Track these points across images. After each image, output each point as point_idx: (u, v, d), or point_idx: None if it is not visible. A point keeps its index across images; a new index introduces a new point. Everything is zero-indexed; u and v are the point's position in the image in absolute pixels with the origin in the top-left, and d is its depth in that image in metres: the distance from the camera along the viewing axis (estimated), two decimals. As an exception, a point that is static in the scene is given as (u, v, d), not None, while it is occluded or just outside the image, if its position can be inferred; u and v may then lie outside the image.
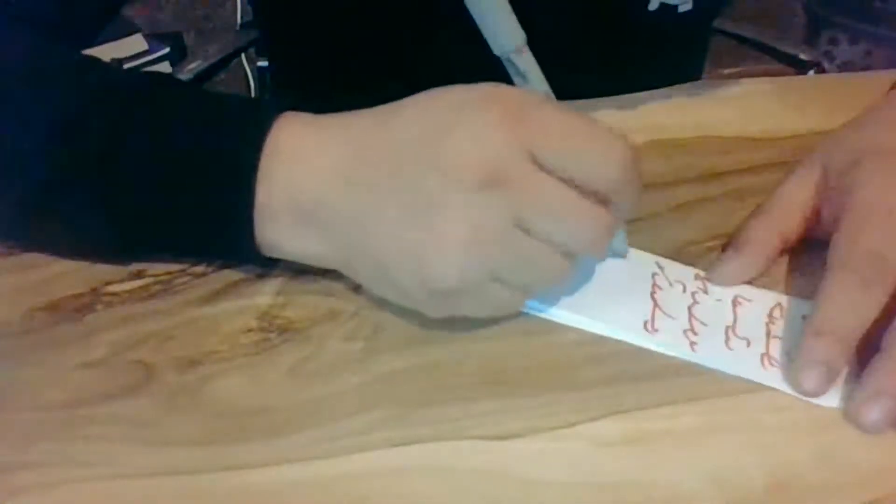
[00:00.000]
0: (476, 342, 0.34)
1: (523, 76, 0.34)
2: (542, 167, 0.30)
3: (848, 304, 0.32)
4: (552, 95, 0.35)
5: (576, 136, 0.31)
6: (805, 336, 0.33)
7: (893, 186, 0.35)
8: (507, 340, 0.34)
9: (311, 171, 0.33)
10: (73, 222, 0.36)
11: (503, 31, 0.33)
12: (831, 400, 0.32)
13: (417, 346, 0.34)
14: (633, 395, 0.32)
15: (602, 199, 0.31)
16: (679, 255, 0.39)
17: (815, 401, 0.32)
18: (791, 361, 0.33)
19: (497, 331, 0.35)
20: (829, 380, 0.32)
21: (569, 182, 0.31)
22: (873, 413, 0.30)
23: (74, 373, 0.33)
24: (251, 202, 0.33)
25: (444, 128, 0.31)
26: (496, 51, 0.33)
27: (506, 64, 0.33)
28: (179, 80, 0.39)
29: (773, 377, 0.33)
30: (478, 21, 0.32)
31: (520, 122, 0.30)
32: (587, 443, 0.30)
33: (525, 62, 0.34)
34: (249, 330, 0.35)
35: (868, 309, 0.32)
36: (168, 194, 0.34)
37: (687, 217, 0.42)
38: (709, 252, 0.39)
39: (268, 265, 0.36)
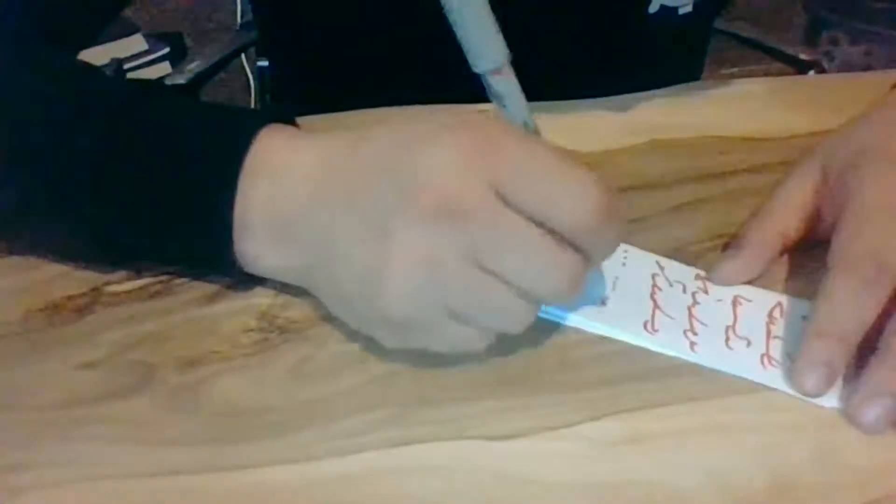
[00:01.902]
0: (476, 342, 0.34)
1: (500, 99, 0.31)
2: (508, 204, 0.28)
3: (848, 304, 0.32)
4: (532, 122, 0.32)
5: (548, 175, 0.29)
6: (806, 337, 0.33)
7: (893, 187, 0.35)
8: (507, 340, 0.34)
9: (287, 190, 0.33)
10: (57, 229, 0.36)
11: (483, 49, 0.30)
12: (831, 400, 0.32)
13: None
14: (633, 395, 0.32)
15: (573, 244, 0.29)
16: (679, 255, 0.39)
17: (814, 401, 0.32)
18: (791, 362, 0.33)
19: (497, 331, 0.35)
20: (829, 380, 0.32)
21: (536, 223, 0.28)
22: (872, 412, 0.30)
23: (74, 373, 0.33)
24: (230, 218, 0.33)
25: (410, 154, 0.29)
26: (474, 68, 0.30)
27: (484, 84, 0.31)
28: (167, 90, 0.39)
29: (773, 377, 0.33)
30: (457, 34, 0.30)
31: (490, 154, 0.28)
32: (587, 443, 0.30)
33: (504, 84, 0.31)
34: (249, 330, 0.35)
35: (868, 309, 0.32)
36: (150, 207, 0.34)
37: (687, 217, 0.42)
38: (709, 252, 0.39)
39: (247, 280, 0.36)
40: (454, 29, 0.30)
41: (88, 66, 0.38)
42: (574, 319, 0.35)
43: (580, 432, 0.31)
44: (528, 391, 0.32)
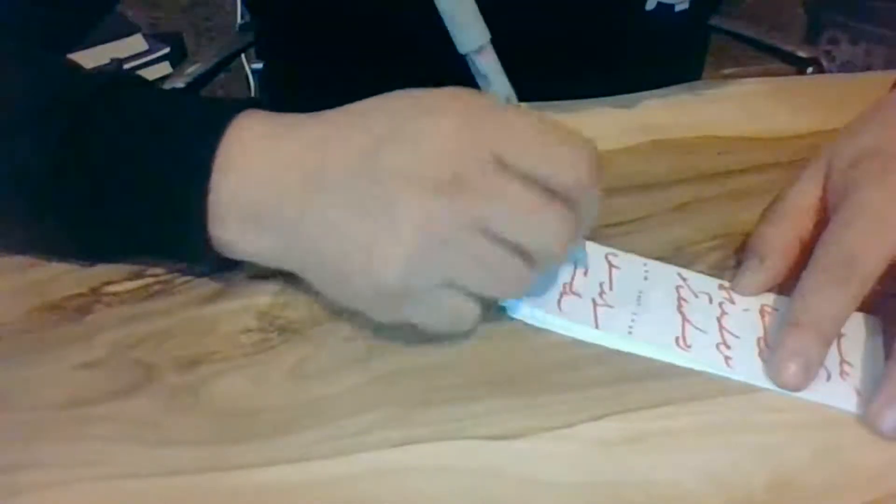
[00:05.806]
0: (476, 342, 0.34)
1: (485, 77, 0.33)
2: (504, 169, 0.30)
3: (819, 298, 0.33)
4: (514, 98, 0.34)
5: (539, 137, 0.31)
6: (781, 331, 0.33)
7: (885, 190, 0.34)
8: (508, 340, 0.34)
9: (266, 174, 0.33)
10: (26, 222, 0.36)
11: (465, 31, 0.32)
12: (849, 405, 0.32)
13: (417, 346, 0.34)
14: (633, 395, 0.32)
15: (566, 202, 0.31)
16: (679, 255, 0.39)
17: (833, 405, 0.32)
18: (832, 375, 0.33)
19: (497, 331, 0.35)
20: (807, 372, 0.32)
21: (532, 184, 0.30)
22: (892, 418, 0.30)
23: (74, 373, 0.33)
24: (204, 208, 0.33)
25: (405, 131, 0.31)
26: (460, 49, 0.33)
27: (469, 63, 0.33)
28: (141, 80, 0.38)
29: (813, 392, 0.32)
30: (444, 20, 0.32)
31: (482, 125, 0.30)
32: (587, 443, 0.30)
33: (487, 64, 0.33)
34: (249, 330, 0.35)
35: (838, 304, 0.32)
36: (122, 199, 0.34)
37: (687, 217, 0.42)
38: (709, 252, 0.39)
39: (226, 268, 0.36)
40: (442, 17, 0.32)
41: (60, 59, 0.38)
42: (603, 338, 0.34)
43: (580, 432, 0.31)
44: (528, 391, 0.32)
